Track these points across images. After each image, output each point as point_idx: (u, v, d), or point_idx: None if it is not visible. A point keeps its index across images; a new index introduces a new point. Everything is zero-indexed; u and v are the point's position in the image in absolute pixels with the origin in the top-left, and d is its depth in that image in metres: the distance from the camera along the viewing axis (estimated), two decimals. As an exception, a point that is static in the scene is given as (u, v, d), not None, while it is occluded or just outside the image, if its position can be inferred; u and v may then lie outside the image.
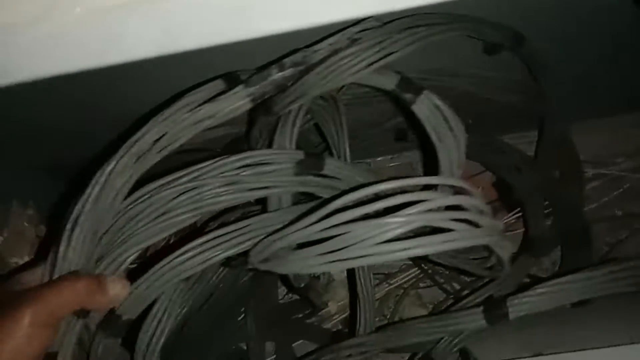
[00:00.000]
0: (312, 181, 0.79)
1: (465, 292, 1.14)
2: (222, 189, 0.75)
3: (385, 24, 0.76)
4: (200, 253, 0.73)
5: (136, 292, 0.74)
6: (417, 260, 1.22)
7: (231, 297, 1.13)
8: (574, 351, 0.84)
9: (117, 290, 0.71)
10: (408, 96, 0.74)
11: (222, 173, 0.74)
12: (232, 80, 0.77)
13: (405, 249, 0.61)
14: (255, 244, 0.74)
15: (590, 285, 0.79)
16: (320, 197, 0.83)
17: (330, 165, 0.78)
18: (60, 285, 0.65)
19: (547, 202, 1.13)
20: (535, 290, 0.80)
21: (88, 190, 0.68)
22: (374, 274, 1.16)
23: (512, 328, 0.89)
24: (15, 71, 0.78)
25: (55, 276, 0.67)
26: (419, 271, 1.24)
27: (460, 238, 0.64)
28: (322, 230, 0.63)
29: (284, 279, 1.06)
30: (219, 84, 0.77)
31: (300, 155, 0.76)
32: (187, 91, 0.76)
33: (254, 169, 0.75)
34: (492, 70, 1.00)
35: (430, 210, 0.61)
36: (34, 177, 1.25)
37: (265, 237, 0.72)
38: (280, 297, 1.29)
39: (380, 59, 0.73)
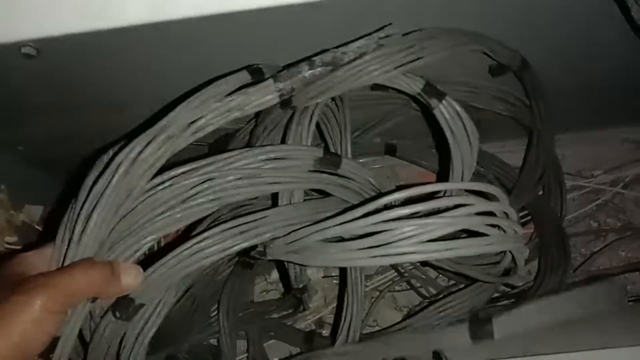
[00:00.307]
0: (326, 179, 0.83)
1: (440, 296, 1.18)
2: (243, 182, 0.78)
3: (408, 33, 0.83)
4: (221, 241, 0.75)
5: (152, 277, 0.74)
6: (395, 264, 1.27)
7: (207, 292, 1.16)
8: (549, 354, 0.85)
9: (130, 279, 0.71)
10: (431, 100, 0.80)
11: (244, 165, 0.77)
12: (255, 73, 0.81)
13: (448, 249, 0.67)
14: (286, 235, 0.78)
15: (575, 307, 0.84)
16: (330, 195, 0.87)
17: (346, 165, 0.83)
18: (75, 272, 0.66)
19: (525, 212, 1.19)
20: (520, 310, 0.85)
21: (109, 172, 0.69)
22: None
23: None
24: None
25: (68, 259, 0.68)
26: (395, 274, 1.30)
27: (493, 243, 0.71)
28: (367, 226, 0.67)
29: (283, 278, 1.08)
30: (243, 77, 0.80)
31: (319, 152, 0.80)
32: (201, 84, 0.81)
33: (275, 163, 0.79)
34: (484, 81, 1.07)
35: (472, 215, 0.67)
36: (8, 162, 1.27)
37: (299, 229, 0.76)
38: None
39: (409, 62, 0.79)
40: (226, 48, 0.90)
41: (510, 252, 0.78)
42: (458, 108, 0.80)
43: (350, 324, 0.94)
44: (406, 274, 1.28)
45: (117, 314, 0.75)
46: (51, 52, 0.86)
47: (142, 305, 0.76)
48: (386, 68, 0.79)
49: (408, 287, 1.30)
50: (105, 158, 0.74)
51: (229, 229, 0.76)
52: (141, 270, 0.73)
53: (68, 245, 0.69)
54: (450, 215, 0.66)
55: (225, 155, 0.77)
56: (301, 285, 0.99)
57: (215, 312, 1.17)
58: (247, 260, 1.13)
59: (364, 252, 0.68)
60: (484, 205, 0.68)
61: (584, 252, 1.27)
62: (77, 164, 1.25)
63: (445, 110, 0.80)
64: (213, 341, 1.21)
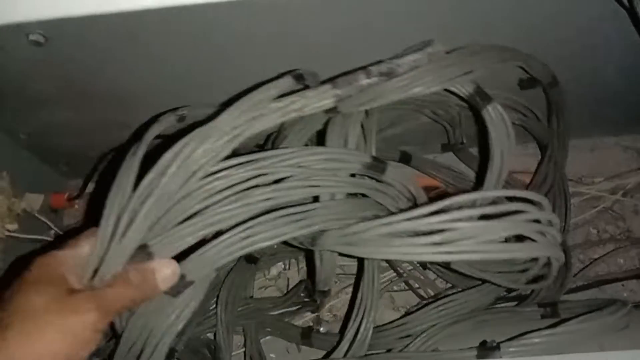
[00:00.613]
0: (367, 183, 0.91)
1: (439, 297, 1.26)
2: (294, 182, 0.84)
3: (452, 50, 0.95)
4: (275, 228, 0.81)
5: (204, 256, 0.78)
6: (393, 263, 1.36)
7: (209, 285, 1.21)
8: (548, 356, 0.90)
9: (167, 281, 0.75)
10: (481, 102, 0.91)
11: (298, 163, 0.84)
12: (298, 79, 0.90)
13: (506, 251, 0.81)
14: (342, 227, 0.86)
15: (584, 336, 0.91)
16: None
17: (390, 172, 0.91)
18: (120, 291, 0.71)
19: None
20: (530, 340, 0.90)
21: (164, 163, 0.73)
22: (348, 274, 1.29)
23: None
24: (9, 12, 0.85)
25: (110, 254, 0.72)
26: (393, 274, 1.39)
27: (541, 248, 0.84)
28: (434, 223, 0.77)
29: (312, 279, 1.16)
30: (288, 82, 0.88)
31: (367, 157, 0.89)
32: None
33: (326, 164, 0.86)
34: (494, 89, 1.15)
35: (527, 221, 0.78)
36: (10, 149, 1.33)
37: (359, 222, 0.84)
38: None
39: (460, 75, 0.91)
40: (240, 39, 0.97)
41: (550, 258, 0.89)
42: (503, 112, 0.93)
43: (362, 320, 1.02)
44: (404, 274, 1.37)
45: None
46: (59, 39, 0.91)
47: (191, 283, 0.80)
48: (439, 80, 0.90)
49: (406, 287, 1.39)
50: (141, 145, 0.78)
51: (282, 216, 0.82)
52: (177, 267, 0.76)
53: (111, 239, 0.72)
54: (510, 220, 0.79)
55: (280, 151, 0.84)
56: (326, 289, 1.08)
57: (214, 306, 1.22)
58: (253, 254, 1.20)
59: (428, 248, 0.78)
60: (538, 214, 0.80)
61: (583, 258, 1.37)
62: (79, 154, 1.30)
63: (493, 112, 0.92)
64: (210, 335, 1.27)
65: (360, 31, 0.95)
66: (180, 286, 0.79)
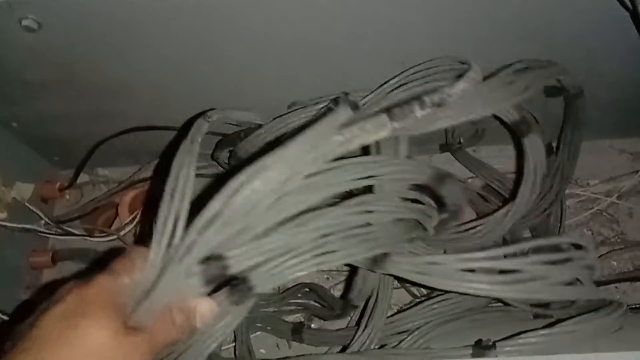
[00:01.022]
0: (415, 207, 0.95)
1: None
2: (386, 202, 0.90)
3: (499, 69, 1.03)
4: (344, 248, 0.82)
5: (275, 270, 0.77)
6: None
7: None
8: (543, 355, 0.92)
9: (204, 319, 0.74)
10: (525, 131, 1.04)
11: (373, 174, 0.87)
12: (354, 107, 0.94)
13: (565, 293, 0.92)
14: (415, 255, 0.95)
15: (579, 337, 0.96)
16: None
17: (448, 184, 0.93)
18: (166, 337, 0.70)
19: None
20: (526, 339, 0.94)
21: (227, 194, 0.68)
22: (341, 270, 1.37)
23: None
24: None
25: (164, 281, 0.67)
26: (387, 272, 1.45)
27: (588, 291, 0.96)
28: (511, 264, 0.86)
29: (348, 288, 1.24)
30: (347, 111, 0.90)
31: (431, 169, 0.92)
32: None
33: (397, 175, 0.90)
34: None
35: (585, 267, 0.92)
36: (1, 138, 1.38)
37: (433, 254, 0.97)
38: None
39: (512, 97, 1.00)
40: (242, 33, 1.02)
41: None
42: (540, 140, 1.06)
43: (375, 321, 1.13)
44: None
45: (232, 298, 0.77)
46: (53, 25, 0.96)
47: (257, 295, 0.80)
48: (489, 108, 0.97)
49: (399, 285, 1.47)
50: (192, 158, 0.77)
51: (350, 237, 0.84)
52: (214, 304, 0.75)
53: (166, 264, 0.68)
54: (573, 264, 0.90)
55: (356, 160, 0.87)
56: (357, 304, 1.18)
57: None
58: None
59: (501, 286, 0.85)
60: (591, 260, 0.92)
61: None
62: (71, 143, 1.38)
63: (533, 140, 1.06)
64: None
65: (371, 38, 1.03)
66: (245, 297, 0.78)
